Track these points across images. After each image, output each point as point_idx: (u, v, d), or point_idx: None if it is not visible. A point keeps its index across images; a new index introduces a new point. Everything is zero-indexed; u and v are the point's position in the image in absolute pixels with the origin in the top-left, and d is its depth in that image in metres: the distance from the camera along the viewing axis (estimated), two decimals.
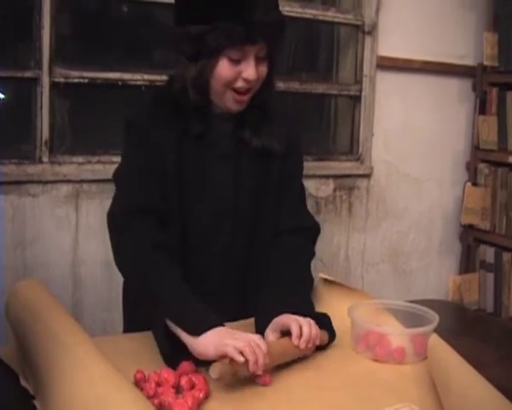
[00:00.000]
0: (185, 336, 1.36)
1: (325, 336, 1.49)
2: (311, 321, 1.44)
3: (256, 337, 1.34)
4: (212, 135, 1.62)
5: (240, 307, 1.67)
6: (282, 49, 1.64)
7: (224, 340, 1.31)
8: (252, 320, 1.56)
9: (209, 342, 1.33)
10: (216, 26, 1.46)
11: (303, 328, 1.41)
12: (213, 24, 1.46)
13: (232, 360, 1.28)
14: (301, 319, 1.43)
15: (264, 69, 1.56)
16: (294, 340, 1.39)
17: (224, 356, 1.29)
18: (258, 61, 1.53)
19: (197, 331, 1.35)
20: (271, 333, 1.46)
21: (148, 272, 1.48)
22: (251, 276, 1.68)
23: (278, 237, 1.69)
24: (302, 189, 1.79)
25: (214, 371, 1.27)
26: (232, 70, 1.51)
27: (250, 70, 1.51)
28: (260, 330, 1.48)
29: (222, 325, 1.37)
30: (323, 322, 1.50)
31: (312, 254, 1.73)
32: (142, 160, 1.59)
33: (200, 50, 1.50)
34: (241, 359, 1.27)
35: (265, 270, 1.64)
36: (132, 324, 1.70)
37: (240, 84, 1.54)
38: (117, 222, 1.58)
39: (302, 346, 1.39)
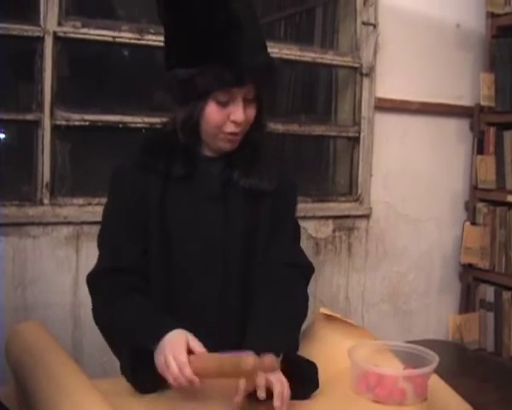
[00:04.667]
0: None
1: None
2: (284, 380, 1.37)
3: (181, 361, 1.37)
4: (200, 177, 1.63)
5: (238, 345, 1.64)
6: (271, 90, 1.66)
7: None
8: None
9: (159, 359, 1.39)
10: (204, 69, 1.49)
11: (274, 387, 1.34)
12: (201, 67, 1.49)
13: None
14: (272, 377, 1.35)
15: (252, 111, 1.59)
16: (259, 394, 1.34)
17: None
18: (246, 103, 1.56)
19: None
20: None
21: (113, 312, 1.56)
22: (247, 314, 1.65)
23: (268, 271, 1.67)
24: (296, 228, 1.78)
25: None
26: (220, 113, 1.55)
27: (238, 112, 1.54)
28: None
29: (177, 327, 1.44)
30: (307, 373, 1.47)
31: (304, 291, 1.70)
32: (122, 215, 1.63)
33: (188, 93, 1.53)
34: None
35: (255, 303, 1.63)
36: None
37: (229, 128, 1.57)
38: (95, 281, 1.63)
39: (276, 404, 1.32)
